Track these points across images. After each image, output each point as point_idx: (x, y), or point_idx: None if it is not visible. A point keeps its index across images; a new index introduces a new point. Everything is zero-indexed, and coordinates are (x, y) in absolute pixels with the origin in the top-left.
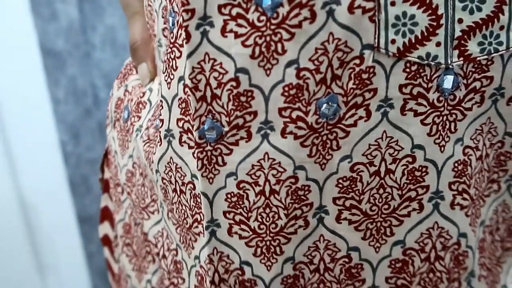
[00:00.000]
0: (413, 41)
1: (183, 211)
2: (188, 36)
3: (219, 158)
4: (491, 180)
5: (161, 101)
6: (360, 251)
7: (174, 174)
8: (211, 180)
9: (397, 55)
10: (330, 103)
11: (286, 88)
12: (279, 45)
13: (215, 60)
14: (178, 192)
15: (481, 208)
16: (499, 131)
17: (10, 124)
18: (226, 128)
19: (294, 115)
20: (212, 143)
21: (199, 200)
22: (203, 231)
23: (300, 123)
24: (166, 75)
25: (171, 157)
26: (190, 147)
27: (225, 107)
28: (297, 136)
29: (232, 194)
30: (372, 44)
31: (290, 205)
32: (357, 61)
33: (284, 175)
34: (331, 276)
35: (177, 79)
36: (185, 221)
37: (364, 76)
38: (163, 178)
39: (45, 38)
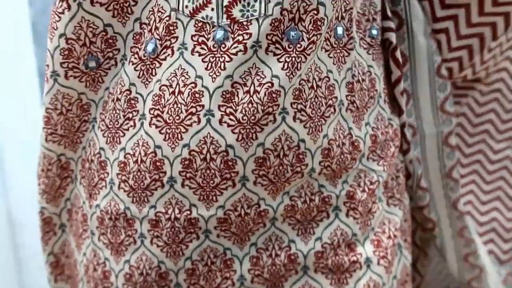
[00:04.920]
0: (198, 6)
1: None
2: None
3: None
4: (329, 105)
5: None
6: (235, 149)
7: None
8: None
9: (189, 15)
10: (151, 44)
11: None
12: None
13: None
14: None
15: (322, 125)
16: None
17: (2, 142)
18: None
19: (134, 50)
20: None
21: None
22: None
23: (136, 55)
24: None
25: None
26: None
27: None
28: (133, 63)
29: (155, 95)
30: (176, 7)
31: (189, 103)
32: (168, 18)
33: None
34: (214, 165)
35: None
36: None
37: (171, 28)
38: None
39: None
